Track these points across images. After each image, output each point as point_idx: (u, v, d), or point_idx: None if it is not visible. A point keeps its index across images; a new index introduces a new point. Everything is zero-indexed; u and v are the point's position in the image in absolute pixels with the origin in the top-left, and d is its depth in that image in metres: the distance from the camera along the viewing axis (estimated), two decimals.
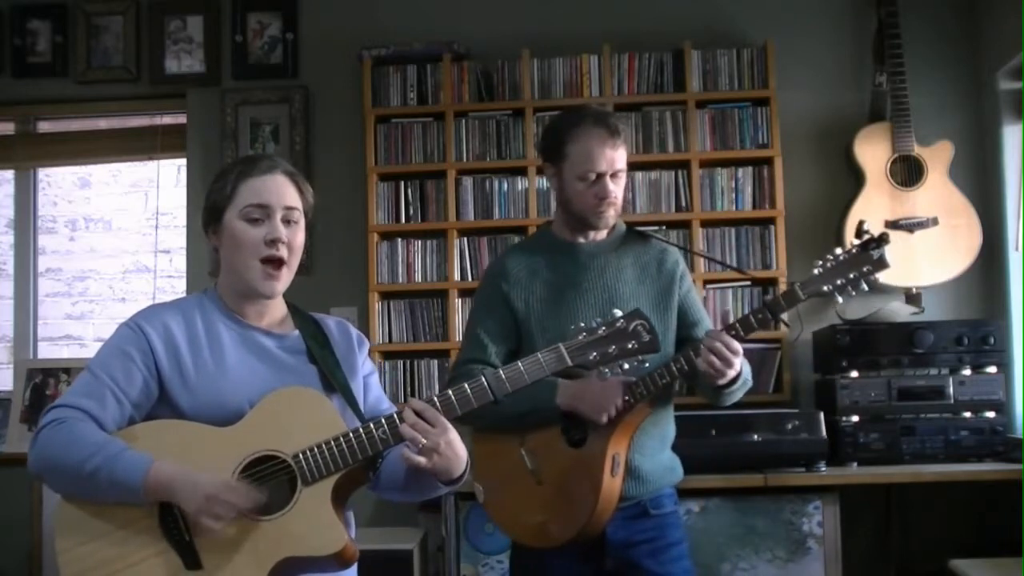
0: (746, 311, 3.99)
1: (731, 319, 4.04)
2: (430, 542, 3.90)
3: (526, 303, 2.57)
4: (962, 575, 3.19)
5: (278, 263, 1.95)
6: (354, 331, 2.12)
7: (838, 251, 2.31)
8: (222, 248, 1.98)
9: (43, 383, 4.34)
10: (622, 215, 2.66)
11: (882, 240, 2.27)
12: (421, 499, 2.12)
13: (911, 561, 3.92)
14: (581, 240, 2.61)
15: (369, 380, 2.10)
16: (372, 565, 1.98)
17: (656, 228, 3.92)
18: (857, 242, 2.30)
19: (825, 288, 2.29)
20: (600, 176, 2.51)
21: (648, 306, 2.52)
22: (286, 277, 1.97)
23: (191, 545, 1.82)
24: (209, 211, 1.98)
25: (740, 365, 2.38)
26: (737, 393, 2.50)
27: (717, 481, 3.46)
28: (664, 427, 2.60)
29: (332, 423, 1.89)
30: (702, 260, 4.00)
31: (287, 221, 1.96)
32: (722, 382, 2.39)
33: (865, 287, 2.28)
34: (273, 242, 1.93)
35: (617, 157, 2.52)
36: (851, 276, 2.28)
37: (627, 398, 2.40)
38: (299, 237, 1.98)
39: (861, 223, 2.35)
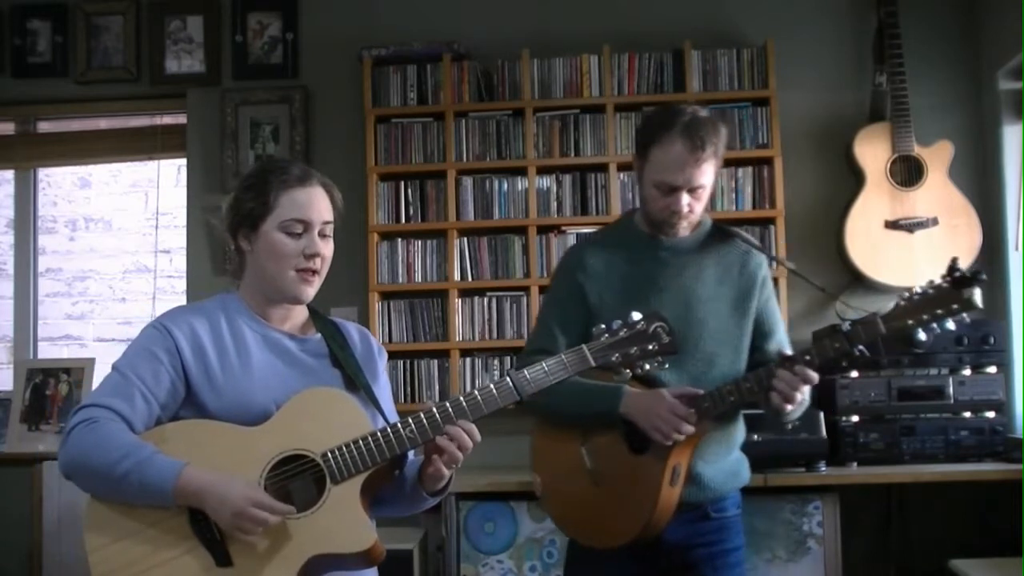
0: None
1: None
2: (430, 542, 3.90)
3: (601, 297, 2.50)
4: (962, 575, 3.19)
5: (313, 272, 1.99)
6: (374, 340, 2.16)
7: (925, 285, 2.20)
8: (253, 254, 2.00)
9: (43, 383, 4.34)
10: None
11: (975, 279, 2.15)
12: (408, 512, 2.10)
13: (911, 561, 3.92)
14: (662, 236, 2.51)
15: (385, 392, 2.12)
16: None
17: None
18: (947, 278, 2.18)
19: (910, 321, 2.19)
20: (675, 189, 2.40)
21: (726, 309, 2.48)
22: (318, 283, 2.02)
23: (221, 543, 1.83)
24: (244, 217, 1.98)
25: (804, 395, 2.34)
26: (795, 415, 2.44)
27: None
28: (731, 432, 2.53)
29: (359, 423, 1.91)
30: None
31: (322, 235, 2.00)
32: (784, 416, 2.38)
33: (952, 326, 2.18)
34: (311, 256, 1.97)
35: (698, 173, 2.39)
36: (937, 312, 2.17)
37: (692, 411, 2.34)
38: (330, 248, 2.03)
39: (954, 260, 2.17)
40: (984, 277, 2.16)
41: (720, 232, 2.57)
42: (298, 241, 1.97)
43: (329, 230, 2.02)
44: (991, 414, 3.67)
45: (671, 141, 2.38)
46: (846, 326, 2.25)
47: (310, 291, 2.00)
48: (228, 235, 2.03)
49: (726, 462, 2.53)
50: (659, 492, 2.35)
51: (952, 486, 3.68)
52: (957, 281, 2.17)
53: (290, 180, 1.98)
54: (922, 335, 2.20)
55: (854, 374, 3.71)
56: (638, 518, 2.38)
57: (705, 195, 2.45)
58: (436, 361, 4.13)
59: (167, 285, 4.57)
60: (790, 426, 3.46)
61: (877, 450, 3.65)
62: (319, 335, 2.06)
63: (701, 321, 2.45)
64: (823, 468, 3.54)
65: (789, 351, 2.43)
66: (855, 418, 3.68)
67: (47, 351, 4.61)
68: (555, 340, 2.49)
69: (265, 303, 2.03)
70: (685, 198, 2.41)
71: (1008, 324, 3.85)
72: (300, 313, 2.08)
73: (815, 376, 2.29)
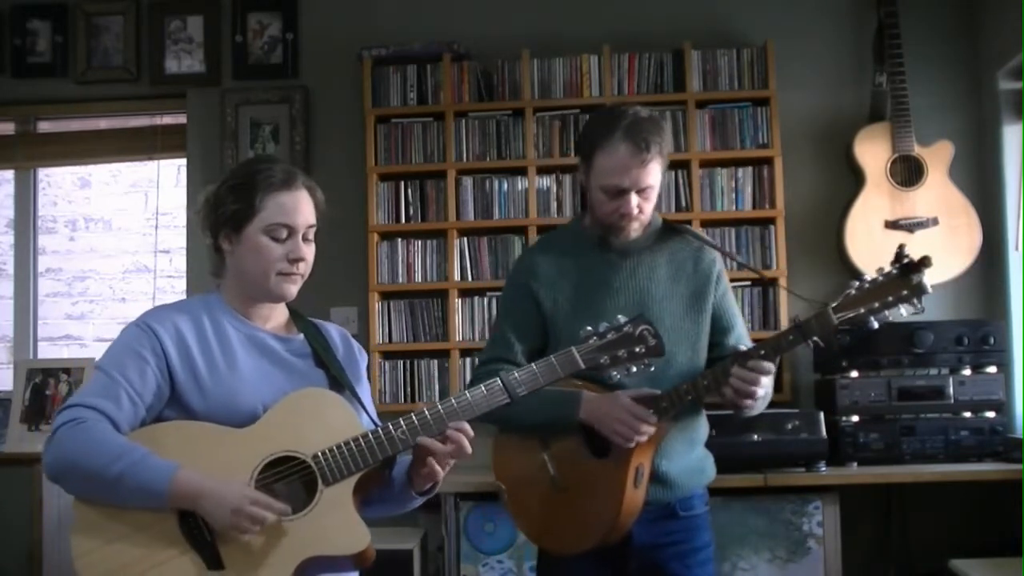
0: (747, 312, 4.03)
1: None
2: (430, 542, 3.90)
3: (555, 302, 2.47)
4: (962, 575, 3.20)
5: (297, 274, 2.00)
6: (355, 342, 2.15)
7: (875, 273, 2.20)
8: (235, 255, 1.99)
9: (43, 383, 4.34)
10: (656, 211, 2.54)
11: (923, 264, 2.16)
12: (395, 511, 2.10)
13: (911, 561, 3.92)
14: (612, 237, 2.48)
15: (367, 394, 2.12)
16: (372, 565, 1.99)
17: None
18: (896, 265, 2.18)
19: (861, 310, 2.20)
20: (623, 192, 2.38)
21: (681, 307, 2.46)
22: (300, 283, 2.02)
23: (212, 545, 1.82)
24: (227, 219, 1.97)
25: (766, 388, 2.32)
26: (759, 409, 2.43)
27: (717, 481, 3.43)
28: (693, 429, 2.51)
29: (350, 424, 1.91)
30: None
31: (306, 239, 2.00)
32: (745, 411, 2.36)
33: (903, 312, 2.18)
34: (295, 261, 1.97)
35: (644, 174, 2.36)
36: (888, 300, 2.17)
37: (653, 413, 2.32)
38: (312, 251, 2.02)
39: (902, 247, 2.20)
40: (930, 263, 2.16)
41: (671, 229, 2.55)
42: (283, 245, 1.96)
43: (312, 234, 2.01)
44: (991, 414, 3.67)
45: (614, 146, 2.36)
46: (800, 319, 2.27)
47: (293, 289, 2.00)
48: (207, 232, 2.02)
49: (690, 459, 2.50)
50: (623, 495, 2.33)
51: (952, 486, 3.68)
52: (905, 267, 2.18)
53: (276, 183, 1.97)
54: (875, 323, 2.20)
55: (854, 374, 3.71)
56: (603, 522, 2.36)
57: (654, 195, 2.44)
58: (436, 361, 4.12)
59: (167, 285, 4.57)
60: (790, 426, 3.51)
61: (877, 450, 3.65)
62: (302, 335, 2.05)
63: (657, 320, 2.35)
64: (823, 468, 3.54)
65: (749, 344, 2.43)
66: (855, 418, 3.68)
67: (47, 351, 4.61)
68: (512, 348, 2.48)
69: (247, 303, 2.02)
70: (634, 199, 2.39)
71: (1008, 324, 3.84)
72: (282, 313, 2.07)
73: (771, 367, 2.30)
